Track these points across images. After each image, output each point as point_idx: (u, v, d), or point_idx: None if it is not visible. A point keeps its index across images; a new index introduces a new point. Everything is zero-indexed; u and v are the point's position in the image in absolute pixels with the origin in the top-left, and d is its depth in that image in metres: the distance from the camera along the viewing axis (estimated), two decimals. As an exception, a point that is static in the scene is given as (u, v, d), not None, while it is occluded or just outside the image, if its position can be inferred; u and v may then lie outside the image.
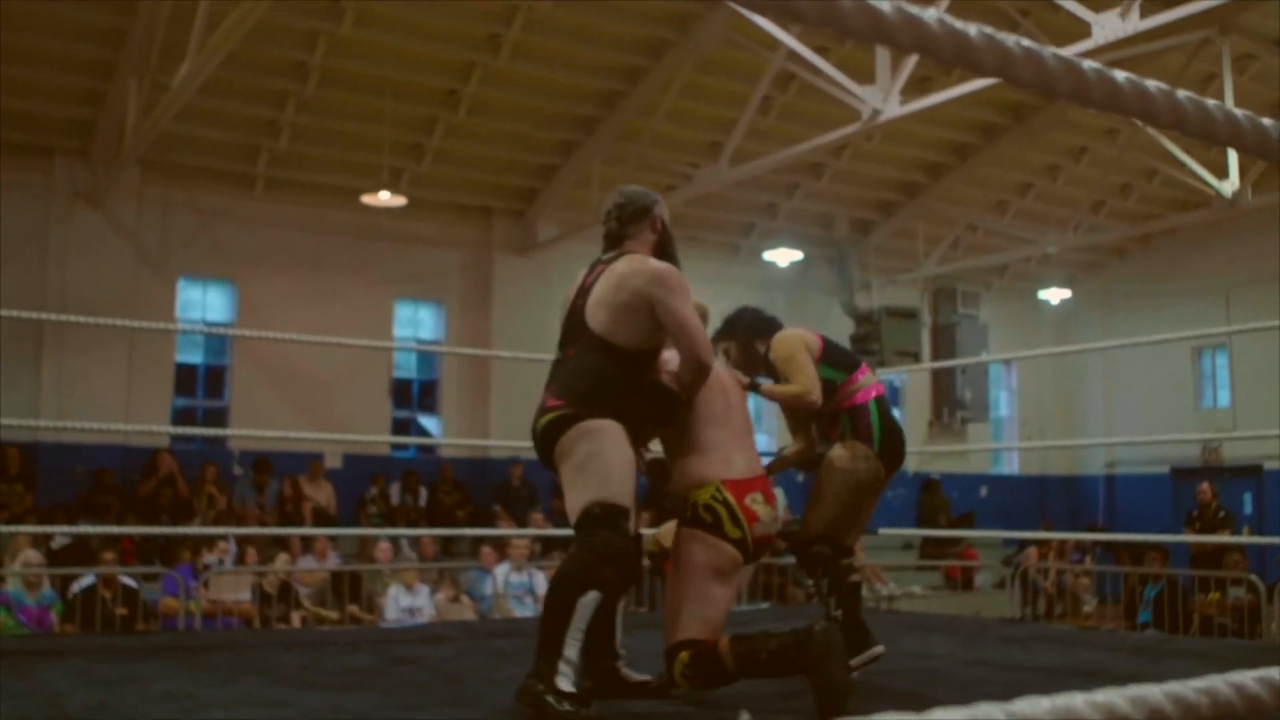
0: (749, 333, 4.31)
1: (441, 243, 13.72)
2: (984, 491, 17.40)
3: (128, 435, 11.32)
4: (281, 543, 10.18)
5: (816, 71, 9.62)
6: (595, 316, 3.57)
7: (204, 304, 12.99)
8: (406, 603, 9.46)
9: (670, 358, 3.70)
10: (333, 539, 10.74)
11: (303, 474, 12.10)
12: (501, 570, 9.98)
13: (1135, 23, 7.57)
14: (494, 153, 12.98)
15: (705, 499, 3.63)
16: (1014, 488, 17.84)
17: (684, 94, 11.89)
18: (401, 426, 13.71)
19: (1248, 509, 15.73)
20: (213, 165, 12.34)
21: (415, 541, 11.33)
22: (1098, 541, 13.22)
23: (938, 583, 13.98)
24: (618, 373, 3.53)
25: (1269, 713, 1.14)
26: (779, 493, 5.31)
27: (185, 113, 9.91)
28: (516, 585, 9.92)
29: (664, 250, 3.77)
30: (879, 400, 4.24)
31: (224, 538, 9.50)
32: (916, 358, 15.48)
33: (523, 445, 5.16)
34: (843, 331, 14.94)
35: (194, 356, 12.94)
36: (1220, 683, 1.11)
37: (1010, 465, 18.41)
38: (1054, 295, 17.06)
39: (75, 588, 8.50)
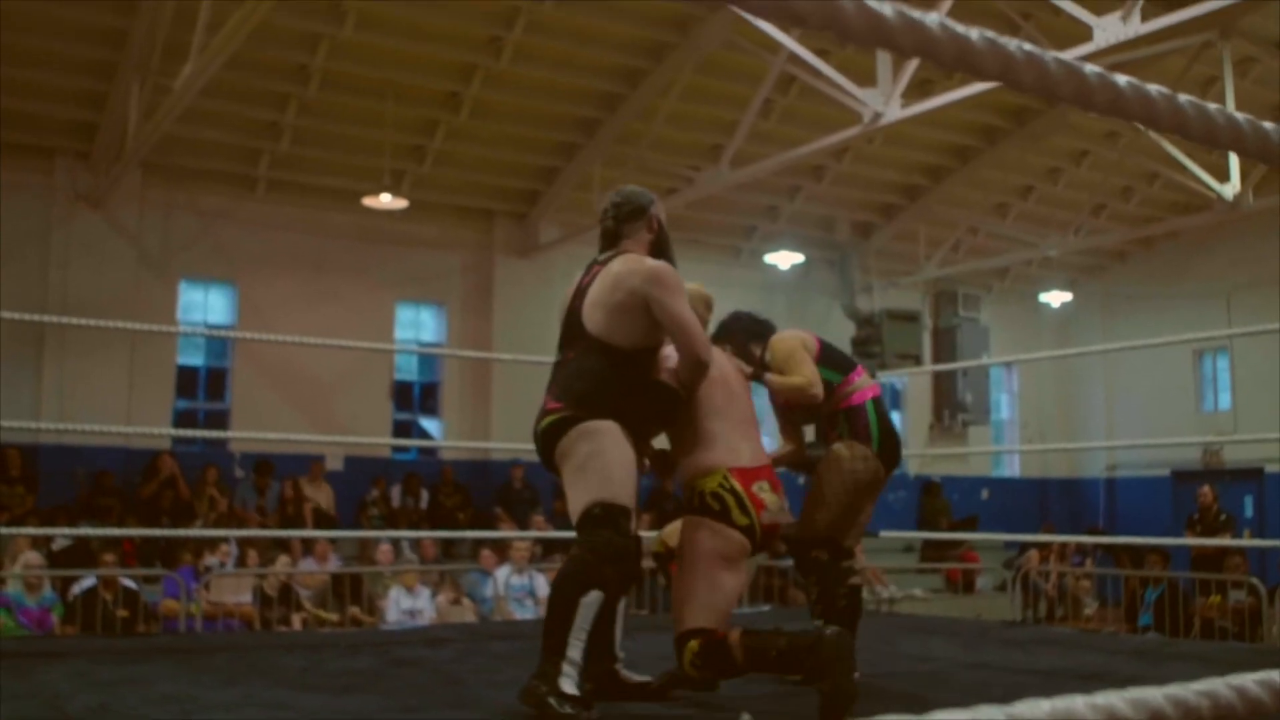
0: (744, 336, 4.33)
1: (443, 245, 13.73)
2: (985, 494, 17.39)
3: (129, 437, 11.33)
4: (282, 545, 10.18)
5: (818, 74, 9.62)
6: (592, 318, 3.58)
7: (205, 306, 13.00)
8: (407, 605, 9.46)
9: (670, 354, 3.71)
10: (333, 541, 10.75)
11: (304, 476, 12.10)
12: (502, 572, 9.98)
13: (1136, 26, 7.57)
14: (495, 155, 12.99)
15: (712, 487, 3.64)
16: (1015, 490, 17.82)
17: (685, 96, 11.89)
18: (403, 429, 13.71)
19: (1248, 512, 15.73)
20: (214, 167, 12.34)
21: (416, 544, 11.33)
22: (1099, 544, 13.21)
23: (939, 585, 13.96)
24: (617, 373, 3.53)
25: (1270, 715, 1.14)
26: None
27: (187, 115, 9.90)
28: (517, 587, 9.92)
29: (661, 250, 3.77)
30: (876, 401, 4.27)
31: (225, 540, 9.50)
32: (917, 360, 15.48)
33: (524, 447, 5.17)
34: (844, 334, 14.94)
35: (195, 359, 12.95)
36: (1221, 686, 1.11)
37: (1011, 468, 18.41)
38: (1055, 298, 17.05)
39: (76, 589, 8.50)
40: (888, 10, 1.13)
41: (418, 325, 14.13)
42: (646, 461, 3.90)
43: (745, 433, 3.82)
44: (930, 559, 14.38)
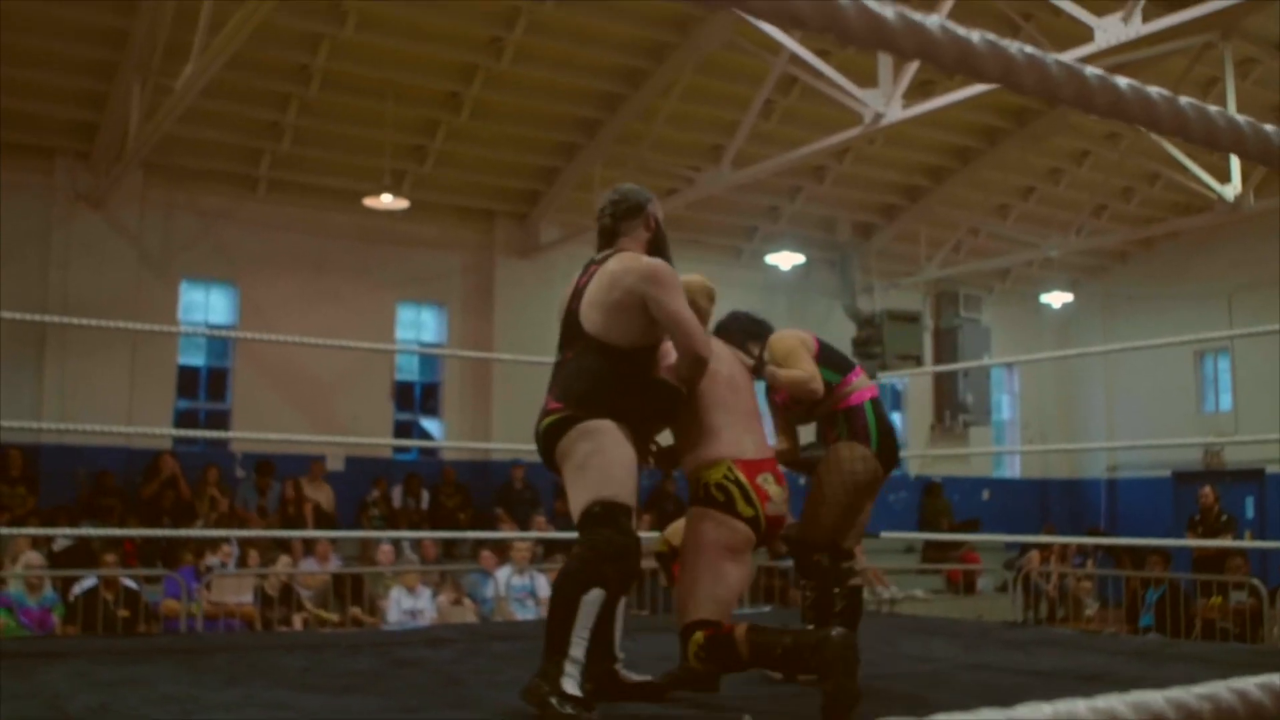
0: (742, 336, 4.33)
1: (443, 245, 13.73)
2: (986, 495, 17.39)
3: (130, 437, 11.33)
4: (283, 545, 10.18)
5: (818, 75, 9.62)
6: (589, 318, 3.59)
7: (206, 306, 13.00)
8: (408, 605, 9.46)
9: (670, 350, 3.71)
10: (334, 541, 10.75)
11: (305, 476, 12.10)
12: (503, 573, 9.98)
13: (1138, 27, 7.56)
14: (496, 155, 12.99)
15: (717, 478, 3.64)
16: (1016, 491, 17.82)
17: (686, 97, 11.89)
18: (403, 429, 13.71)
19: (1249, 513, 15.72)
20: (215, 167, 12.35)
21: (417, 544, 11.33)
22: (1100, 545, 13.21)
23: (939, 586, 13.96)
24: (616, 372, 3.54)
25: (1271, 718, 1.14)
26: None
27: (188, 115, 9.90)
28: (518, 588, 9.93)
29: (658, 248, 3.78)
30: (874, 402, 4.29)
31: (226, 540, 9.50)
32: (918, 361, 15.48)
33: (525, 448, 5.17)
34: (845, 335, 14.93)
35: (196, 359, 12.95)
36: (1223, 689, 1.11)
37: (1012, 469, 18.40)
38: (1056, 299, 17.05)
39: (77, 590, 8.50)
40: (889, 13, 1.13)
41: (418, 325, 14.14)
42: (650, 459, 3.91)
43: (749, 425, 3.82)
44: (931, 560, 14.37)
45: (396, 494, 12.74)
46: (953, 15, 8.48)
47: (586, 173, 12.85)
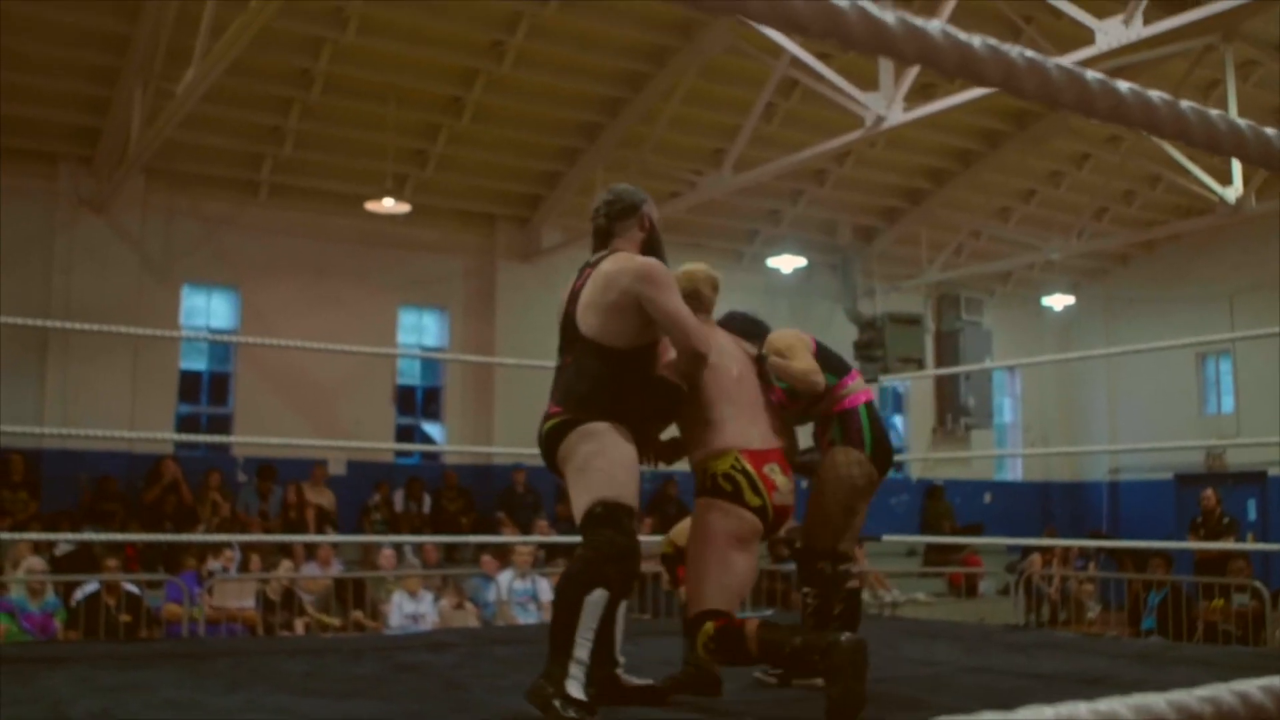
0: (739, 336, 4.33)
1: (445, 249, 13.73)
2: (988, 498, 17.37)
3: (132, 442, 11.32)
4: (285, 549, 10.18)
5: (820, 78, 9.62)
6: (586, 321, 3.60)
7: (208, 311, 13.01)
8: (410, 609, 9.46)
9: (669, 345, 3.72)
10: (336, 546, 10.74)
11: (306, 481, 12.10)
12: (505, 577, 9.97)
13: (1138, 29, 7.57)
14: (497, 159, 13.00)
15: (724, 468, 3.65)
16: (1018, 494, 17.81)
17: (687, 100, 11.90)
18: (405, 433, 13.72)
19: (1252, 515, 15.71)
20: (217, 172, 12.36)
21: (419, 548, 11.32)
22: (1101, 548, 13.20)
23: (941, 589, 13.95)
24: (616, 374, 3.55)
25: (1273, 721, 1.14)
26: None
27: (189, 120, 9.91)
28: (520, 592, 9.92)
29: (652, 248, 3.79)
30: (869, 406, 4.30)
31: (228, 544, 9.51)
32: (920, 364, 15.48)
33: (526, 452, 5.17)
34: (846, 338, 14.94)
35: (198, 363, 12.95)
36: (1225, 691, 1.11)
37: (1014, 471, 18.39)
38: (1058, 301, 17.05)
39: (79, 594, 8.50)
40: (890, 18, 1.13)
41: (420, 330, 14.14)
42: (654, 456, 3.91)
43: (754, 416, 3.83)
44: (933, 563, 14.37)
45: (398, 498, 12.74)
46: (953, 17, 8.48)
47: (588, 177, 12.86)
